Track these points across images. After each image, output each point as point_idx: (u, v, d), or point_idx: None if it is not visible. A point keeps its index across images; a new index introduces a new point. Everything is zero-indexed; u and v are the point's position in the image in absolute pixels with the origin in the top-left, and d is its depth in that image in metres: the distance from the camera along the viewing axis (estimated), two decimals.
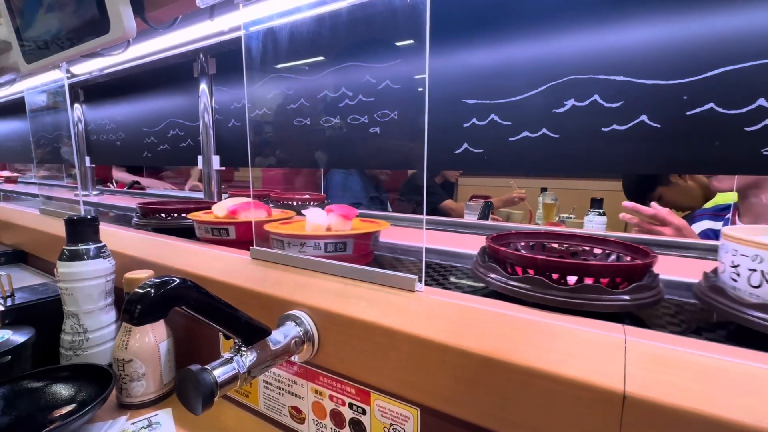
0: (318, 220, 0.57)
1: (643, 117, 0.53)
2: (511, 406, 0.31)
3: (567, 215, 2.16)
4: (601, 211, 1.47)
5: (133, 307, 0.29)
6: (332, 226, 0.57)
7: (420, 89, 0.70)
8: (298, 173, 1.71)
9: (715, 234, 0.97)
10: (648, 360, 0.28)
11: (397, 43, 0.71)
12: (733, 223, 0.94)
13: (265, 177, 1.77)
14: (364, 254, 0.57)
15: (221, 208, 0.69)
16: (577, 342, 0.31)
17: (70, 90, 1.44)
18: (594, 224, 1.46)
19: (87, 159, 1.51)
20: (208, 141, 1.07)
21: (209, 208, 0.78)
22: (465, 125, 0.67)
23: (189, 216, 0.71)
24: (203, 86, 1.05)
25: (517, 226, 1.63)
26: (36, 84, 1.09)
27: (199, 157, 1.09)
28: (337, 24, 0.67)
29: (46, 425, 0.48)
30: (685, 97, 0.50)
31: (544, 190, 2.11)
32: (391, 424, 0.40)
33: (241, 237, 0.65)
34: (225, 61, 1.02)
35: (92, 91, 1.48)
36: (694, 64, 0.50)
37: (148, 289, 0.30)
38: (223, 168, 1.07)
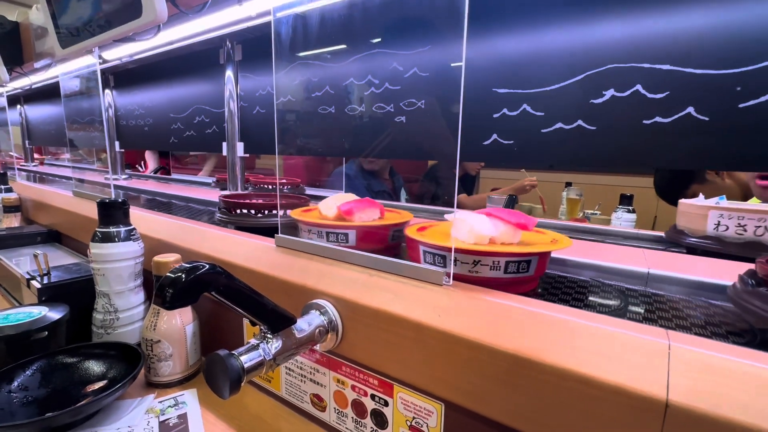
0: (482, 228, 0.43)
1: (690, 109, 0.50)
2: (542, 408, 0.30)
3: (592, 211, 2.09)
4: (630, 208, 1.42)
5: (165, 291, 0.29)
6: (497, 238, 0.44)
7: (449, 77, 0.68)
8: (319, 162, 1.71)
9: None
10: (694, 368, 0.26)
11: (430, 29, 0.69)
12: None
13: (287, 165, 1.78)
14: (540, 275, 0.45)
15: (329, 207, 0.58)
16: (617, 345, 0.29)
17: (101, 76, 1.48)
18: (623, 221, 1.41)
19: (117, 144, 1.55)
20: (233, 128, 1.07)
21: (301, 204, 0.70)
22: (495, 115, 0.64)
23: (293, 215, 0.59)
24: (229, 73, 1.05)
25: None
26: (70, 69, 1.12)
27: (224, 144, 1.10)
28: (369, 8, 0.66)
29: (79, 399, 0.50)
30: (738, 88, 0.47)
31: (568, 184, 2.05)
32: (414, 418, 0.40)
33: (364, 243, 0.53)
34: (251, 47, 1.02)
35: (122, 77, 1.51)
36: (750, 52, 0.46)
37: (180, 274, 0.30)
38: (247, 155, 1.08)
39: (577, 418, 0.29)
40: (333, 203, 0.57)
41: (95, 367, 0.55)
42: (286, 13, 0.62)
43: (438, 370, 0.36)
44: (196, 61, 1.18)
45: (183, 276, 0.30)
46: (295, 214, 0.59)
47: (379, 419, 0.43)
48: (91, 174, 1.82)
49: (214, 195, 1.09)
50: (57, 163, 2.54)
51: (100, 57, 1.13)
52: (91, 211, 0.87)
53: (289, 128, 0.92)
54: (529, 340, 0.32)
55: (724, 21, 0.47)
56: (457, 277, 0.40)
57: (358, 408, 0.44)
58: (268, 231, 0.59)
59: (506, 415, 0.32)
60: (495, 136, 0.65)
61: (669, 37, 0.50)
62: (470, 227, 0.43)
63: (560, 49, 0.58)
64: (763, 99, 0.46)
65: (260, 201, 0.79)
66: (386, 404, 0.42)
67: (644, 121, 0.53)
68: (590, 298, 0.43)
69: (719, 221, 0.50)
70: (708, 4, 0.48)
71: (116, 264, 0.60)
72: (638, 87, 0.52)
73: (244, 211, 0.69)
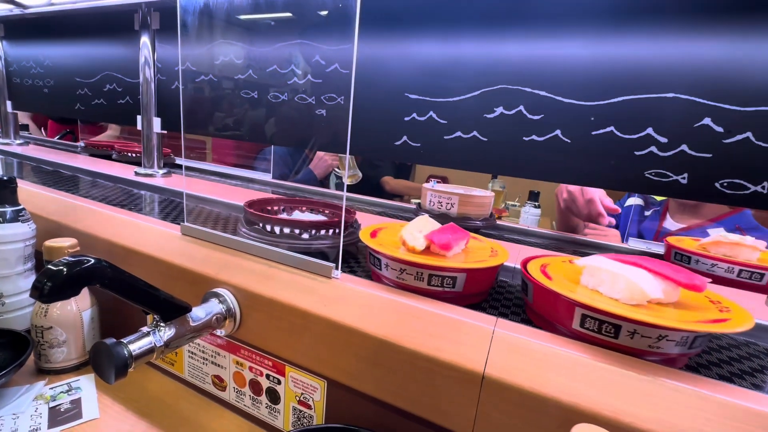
0: (647, 287, 0.33)
1: (558, 131, 0.59)
2: (400, 382, 0.37)
3: (512, 203, 2.30)
4: (537, 203, 1.59)
5: (43, 284, 0.30)
6: (657, 298, 0.34)
7: (364, 77, 0.72)
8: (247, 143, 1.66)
9: (640, 210, 1.02)
10: (507, 348, 0.34)
11: (345, 28, 0.71)
12: (663, 217, 0.98)
13: (215, 143, 1.70)
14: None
15: (414, 236, 0.43)
16: (459, 331, 0.36)
17: None
18: (529, 215, 1.59)
19: (9, 104, 1.36)
20: (149, 101, 1.01)
21: (341, 212, 0.52)
22: (406, 119, 0.70)
23: (377, 249, 0.43)
24: (145, 39, 0.98)
25: None
26: None
27: (138, 117, 1.03)
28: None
29: None
30: (592, 118, 0.56)
31: (494, 177, 2.23)
32: (302, 393, 0.45)
33: (473, 288, 0.42)
34: (170, 17, 0.95)
35: (15, 26, 1.32)
36: (602, 88, 0.56)
37: (61, 267, 0.31)
38: (165, 132, 1.03)
39: (425, 390, 0.36)
40: (418, 232, 0.44)
41: None
42: None
43: (321, 352, 0.41)
44: (107, 23, 1.07)
45: (64, 270, 0.31)
46: (368, 239, 0.46)
47: (273, 396, 0.47)
48: None
49: (128, 172, 1.02)
50: None
51: None
52: None
53: (207, 108, 0.89)
54: (393, 327, 0.38)
55: (588, 58, 0.56)
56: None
57: (255, 387, 0.48)
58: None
59: (374, 389, 0.38)
60: (405, 137, 0.70)
61: (547, 66, 0.59)
62: (635, 286, 0.33)
63: (465, 65, 0.64)
64: (608, 129, 0.56)
65: (309, 217, 0.62)
66: (279, 383, 0.46)
67: (524, 138, 0.61)
68: None
69: (430, 199, 0.76)
70: (579, 41, 0.56)
71: (2, 247, 0.56)
72: (521, 107, 0.61)
73: (286, 230, 0.53)
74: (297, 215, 0.65)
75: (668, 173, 0.53)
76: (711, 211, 0.91)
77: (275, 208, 0.65)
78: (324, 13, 0.76)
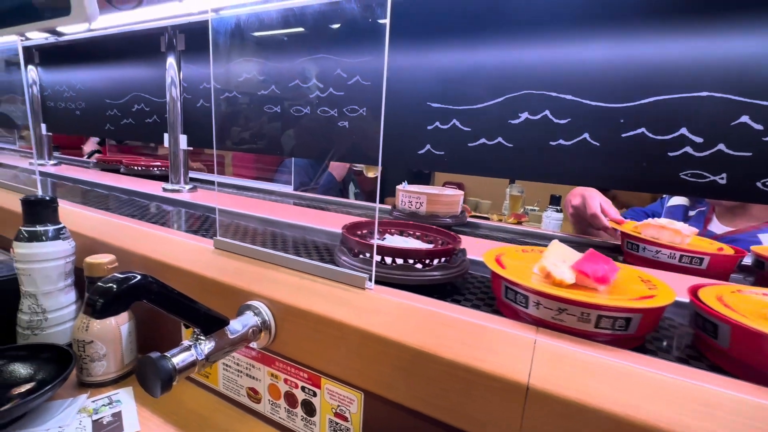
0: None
1: (586, 135, 0.58)
2: (437, 393, 0.36)
3: (531, 207, 2.27)
4: (558, 208, 1.57)
5: (95, 301, 0.31)
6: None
7: (387, 88, 0.73)
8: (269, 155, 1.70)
9: (684, 210, 0.97)
10: (551, 357, 0.34)
11: (367, 41, 0.72)
12: (708, 220, 0.93)
13: (236, 156, 1.74)
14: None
15: (560, 268, 0.39)
16: (496, 340, 0.36)
17: (24, 51, 1.35)
18: (551, 220, 1.56)
19: (43, 126, 1.43)
20: (176, 119, 1.04)
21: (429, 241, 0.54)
22: (429, 127, 0.70)
23: (527, 285, 0.37)
24: (171, 61, 1.02)
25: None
26: None
27: (166, 135, 1.07)
28: (306, 16, 0.68)
29: (3, 403, 0.49)
30: (622, 120, 0.56)
31: (512, 182, 2.21)
32: (338, 405, 0.45)
33: (644, 331, 0.36)
34: (195, 37, 0.99)
35: (50, 53, 1.39)
36: (631, 90, 0.55)
37: (111, 285, 0.32)
38: (191, 148, 1.06)
39: (463, 400, 0.35)
40: (561, 262, 0.40)
41: (21, 369, 0.54)
42: (227, 14, 0.63)
43: (357, 363, 0.41)
44: (135, 46, 1.12)
45: (114, 287, 0.32)
46: (499, 269, 0.40)
47: (309, 408, 0.47)
48: (12, 157, 1.66)
49: (156, 188, 1.06)
50: None
51: (22, 35, 1.03)
52: (11, 203, 0.82)
53: (233, 123, 0.92)
54: (428, 336, 0.37)
55: (616, 61, 0.55)
56: None
57: (290, 399, 0.49)
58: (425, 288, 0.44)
59: (410, 400, 0.38)
60: (429, 146, 0.70)
61: (573, 70, 0.58)
62: None
63: (487, 72, 0.64)
64: (639, 131, 0.55)
65: (416, 244, 0.56)
66: (315, 395, 0.46)
67: (551, 142, 0.61)
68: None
69: (401, 199, 0.82)
70: (605, 44, 0.56)
71: (44, 264, 0.59)
72: (547, 112, 0.60)
73: (398, 261, 0.48)
74: (394, 240, 0.57)
75: (705, 174, 0.51)
76: (764, 213, 0.84)
77: (364, 231, 0.59)
78: (336, 26, 0.77)
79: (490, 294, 0.48)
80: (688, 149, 0.52)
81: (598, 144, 0.57)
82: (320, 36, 0.78)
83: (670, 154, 0.53)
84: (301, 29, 0.79)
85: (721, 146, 0.50)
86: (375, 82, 0.74)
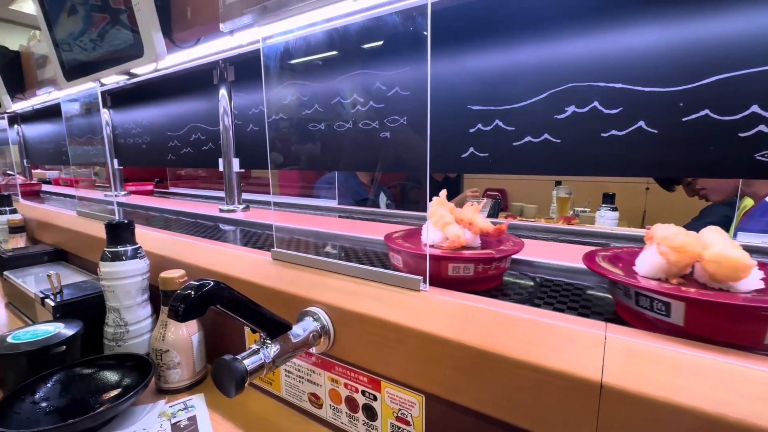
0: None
1: (641, 123, 0.55)
2: (502, 394, 0.35)
3: (581, 209, 2.15)
4: (613, 206, 1.47)
5: (177, 306, 0.34)
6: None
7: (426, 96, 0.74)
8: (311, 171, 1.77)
9: None
10: (625, 354, 0.32)
11: (406, 52, 0.74)
12: None
13: (282, 174, 1.83)
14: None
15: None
16: (562, 337, 0.34)
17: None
18: (606, 219, 1.47)
19: (115, 161, 1.60)
20: (228, 144, 1.12)
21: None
22: (471, 130, 0.70)
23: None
24: (223, 92, 1.11)
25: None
26: (70, 92, 1.17)
27: (220, 160, 1.15)
28: (348, 35, 0.71)
29: (97, 406, 0.54)
30: (681, 104, 0.52)
31: (558, 183, 2.11)
32: (399, 409, 0.45)
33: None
34: (243, 68, 1.07)
35: (119, 96, 1.56)
36: (689, 72, 0.51)
37: (189, 291, 0.35)
38: (243, 170, 1.13)
39: (530, 401, 0.34)
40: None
41: (110, 376, 0.60)
42: (274, 42, 0.68)
43: (417, 366, 0.41)
44: (191, 82, 1.23)
45: (192, 293, 0.35)
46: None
47: (370, 412, 0.48)
48: (92, 191, 1.86)
49: (213, 209, 1.14)
50: (43, 179, 2.57)
51: (99, 81, 1.17)
52: (94, 229, 0.92)
53: (280, 144, 0.97)
54: (490, 336, 0.37)
55: (666, 43, 0.53)
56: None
57: (351, 403, 0.49)
58: None
59: (474, 402, 0.37)
60: (472, 149, 0.70)
61: (620, 58, 0.56)
62: None
63: (527, 69, 0.64)
64: (701, 113, 0.51)
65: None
66: (375, 399, 0.47)
67: (602, 134, 0.58)
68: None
69: None
70: (652, 28, 0.53)
71: (125, 281, 0.65)
72: (596, 104, 0.58)
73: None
74: None
75: None
76: None
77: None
78: (379, 43, 0.80)
79: (549, 293, 0.47)
80: (762, 128, 0.48)
81: (656, 131, 0.54)
82: (359, 53, 0.81)
83: (741, 135, 0.49)
84: (340, 49, 0.83)
85: None
86: (414, 91, 0.75)
